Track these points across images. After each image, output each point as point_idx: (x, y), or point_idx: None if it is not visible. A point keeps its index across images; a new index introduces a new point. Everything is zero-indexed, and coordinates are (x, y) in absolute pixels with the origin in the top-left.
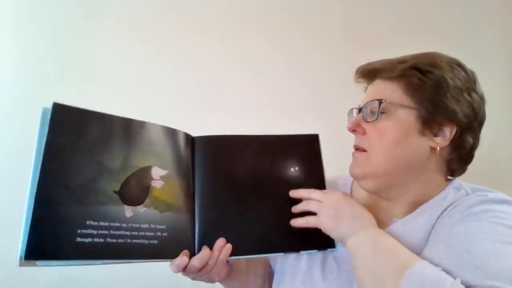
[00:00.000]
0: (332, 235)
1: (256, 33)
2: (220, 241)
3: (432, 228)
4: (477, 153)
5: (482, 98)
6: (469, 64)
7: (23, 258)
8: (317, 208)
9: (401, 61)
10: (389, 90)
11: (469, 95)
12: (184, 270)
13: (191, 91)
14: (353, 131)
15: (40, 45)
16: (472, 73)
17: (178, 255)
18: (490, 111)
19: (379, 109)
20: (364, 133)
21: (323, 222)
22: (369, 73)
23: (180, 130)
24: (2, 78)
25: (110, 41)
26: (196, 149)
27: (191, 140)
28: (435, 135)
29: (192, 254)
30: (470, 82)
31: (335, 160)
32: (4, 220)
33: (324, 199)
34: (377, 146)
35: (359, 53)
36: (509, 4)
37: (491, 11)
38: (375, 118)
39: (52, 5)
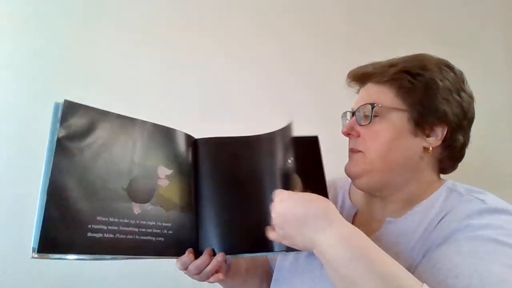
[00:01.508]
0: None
1: (256, 33)
2: (220, 256)
3: (424, 230)
4: (475, 151)
5: (471, 96)
6: (468, 64)
7: (36, 250)
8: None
9: (391, 64)
10: (381, 94)
11: (458, 95)
12: (187, 269)
13: (191, 91)
14: (348, 134)
15: (40, 46)
16: (461, 73)
17: (183, 253)
18: (490, 110)
19: (372, 113)
20: (358, 135)
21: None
22: (361, 77)
23: (181, 131)
24: (2, 77)
25: (110, 41)
26: (199, 150)
27: (193, 142)
28: (428, 136)
29: (195, 252)
30: (458, 82)
31: (336, 161)
32: (6, 217)
33: (273, 215)
34: (372, 148)
35: (361, 53)
36: (509, 4)
37: (491, 11)
38: (368, 121)
39: (52, 6)
